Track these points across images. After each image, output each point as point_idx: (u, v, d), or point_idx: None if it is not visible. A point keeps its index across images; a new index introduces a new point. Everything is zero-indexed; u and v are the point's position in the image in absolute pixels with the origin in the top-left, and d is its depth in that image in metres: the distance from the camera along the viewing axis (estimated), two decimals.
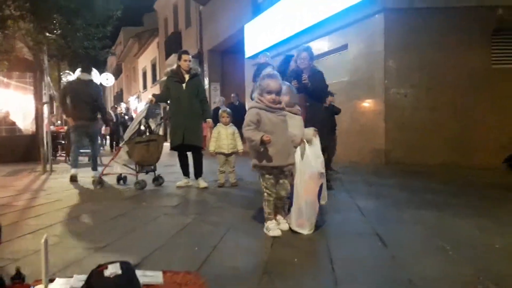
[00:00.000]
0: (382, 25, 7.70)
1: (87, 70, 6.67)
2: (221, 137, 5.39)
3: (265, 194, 2.97)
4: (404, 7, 7.64)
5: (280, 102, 2.96)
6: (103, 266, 1.71)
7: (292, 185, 3.01)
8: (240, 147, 5.47)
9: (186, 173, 5.54)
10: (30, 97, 10.71)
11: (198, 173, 5.41)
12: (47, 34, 8.37)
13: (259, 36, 12.12)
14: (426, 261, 2.30)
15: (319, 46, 9.45)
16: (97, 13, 8.74)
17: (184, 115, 5.21)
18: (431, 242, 2.70)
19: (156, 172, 5.61)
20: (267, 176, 2.95)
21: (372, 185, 5.30)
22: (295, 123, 3.21)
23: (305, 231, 2.91)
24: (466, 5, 7.44)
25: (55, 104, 15.98)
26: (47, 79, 8.37)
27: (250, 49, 12.83)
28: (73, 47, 8.86)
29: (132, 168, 5.40)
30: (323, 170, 3.05)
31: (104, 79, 25.65)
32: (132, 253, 2.46)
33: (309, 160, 3.00)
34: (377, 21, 7.83)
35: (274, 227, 2.91)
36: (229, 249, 2.60)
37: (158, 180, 5.58)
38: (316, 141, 3.28)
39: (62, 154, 11.73)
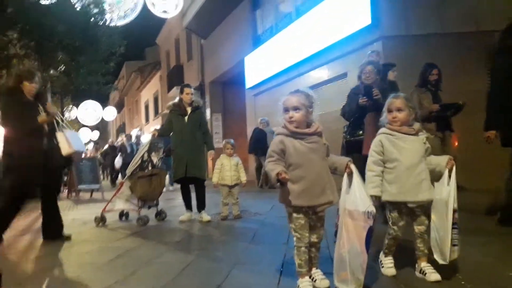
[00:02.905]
0: (381, 53, 7.78)
1: None
2: (225, 169, 5.36)
3: (295, 238, 2.35)
4: (401, 35, 7.75)
5: (309, 125, 2.37)
6: None
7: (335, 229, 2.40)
8: (243, 178, 5.42)
9: (189, 206, 5.47)
10: None
11: (201, 206, 5.35)
12: (51, 71, 8.53)
13: (260, 67, 12.29)
14: None
15: (319, 75, 9.56)
16: (100, 50, 8.91)
17: (187, 147, 5.21)
18: (443, 272, 2.59)
19: (158, 206, 5.55)
20: (295, 215, 2.34)
21: None
22: (407, 147, 2.51)
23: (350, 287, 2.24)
24: (463, 31, 7.54)
25: None
26: None
27: (250, 80, 12.99)
28: (76, 84, 8.99)
29: (134, 204, 5.34)
30: (373, 209, 2.21)
31: (106, 113, 25.97)
32: None
33: (355, 195, 2.27)
34: (376, 49, 7.92)
35: (307, 286, 2.31)
36: None
37: (160, 215, 5.50)
38: (452, 176, 2.45)
39: (65, 191, 11.67)
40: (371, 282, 2.40)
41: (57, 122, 4.27)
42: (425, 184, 2.46)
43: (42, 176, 4.06)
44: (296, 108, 2.32)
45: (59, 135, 4.26)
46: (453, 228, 2.38)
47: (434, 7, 7.65)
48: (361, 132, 4.26)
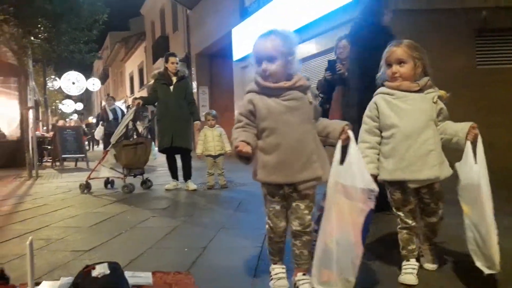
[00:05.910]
0: None
1: None
2: (208, 140, 5.37)
3: (266, 226, 1.84)
4: (393, 8, 7.72)
5: (289, 78, 1.74)
6: (91, 267, 1.67)
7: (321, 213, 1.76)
8: (227, 148, 5.42)
9: (174, 176, 5.49)
10: (15, 103, 10.55)
11: (187, 176, 5.37)
12: (32, 38, 8.28)
13: (248, 39, 12.14)
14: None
15: (307, 49, 9.48)
16: (82, 17, 8.67)
17: (172, 117, 5.18)
18: None
19: (144, 175, 5.55)
20: (269, 197, 1.80)
21: None
22: (408, 109, 1.88)
23: None
24: (449, 7, 7.55)
25: (40, 110, 15.77)
26: (32, 83, 8.26)
27: (238, 53, 12.84)
28: (58, 51, 8.76)
29: (119, 172, 5.33)
30: (376, 188, 1.64)
31: (90, 84, 25.52)
32: (119, 255, 2.42)
33: (350, 168, 1.66)
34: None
35: (279, 276, 1.81)
36: (220, 250, 2.57)
37: (146, 183, 5.52)
38: (479, 150, 1.81)
39: (49, 160, 11.57)
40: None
41: None
42: (433, 157, 1.84)
43: None
44: (271, 58, 1.72)
45: None
46: None
47: None
48: (328, 106, 4.34)
